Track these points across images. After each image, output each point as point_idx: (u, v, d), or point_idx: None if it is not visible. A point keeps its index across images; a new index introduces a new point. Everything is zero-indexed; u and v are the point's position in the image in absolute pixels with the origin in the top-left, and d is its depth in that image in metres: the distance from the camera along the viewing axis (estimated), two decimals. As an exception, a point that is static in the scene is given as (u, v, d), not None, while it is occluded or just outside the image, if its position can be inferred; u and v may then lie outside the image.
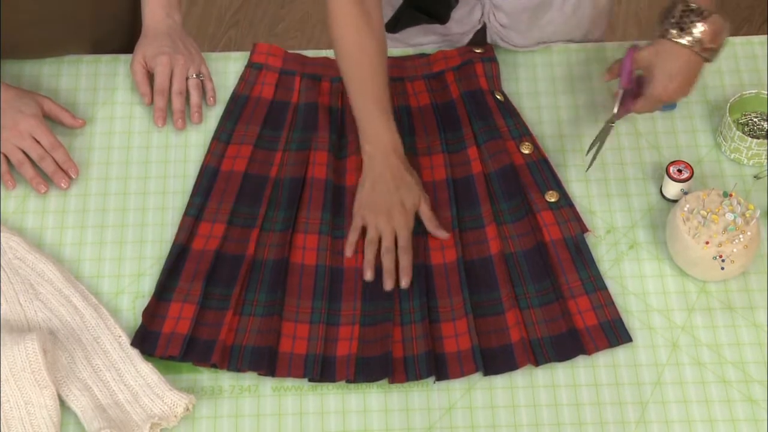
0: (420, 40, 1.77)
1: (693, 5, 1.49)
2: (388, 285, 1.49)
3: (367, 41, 1.55)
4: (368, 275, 1.50)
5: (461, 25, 1.73)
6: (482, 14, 1.71)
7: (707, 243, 1.47)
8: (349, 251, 1.53)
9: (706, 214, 1.49)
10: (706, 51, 1.50)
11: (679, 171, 1.56)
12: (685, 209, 1.50)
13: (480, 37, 1.75)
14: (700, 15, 1.49)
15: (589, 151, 1.58)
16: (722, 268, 1.48)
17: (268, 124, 1.65)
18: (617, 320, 1.48)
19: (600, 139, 1.57)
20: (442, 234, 1.53)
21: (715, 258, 1.47)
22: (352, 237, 1.53)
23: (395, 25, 1.72)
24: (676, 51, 1.50)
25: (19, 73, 1.71)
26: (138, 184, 1.61)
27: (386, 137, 1.54)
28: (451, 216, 1.56)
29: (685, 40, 1.49)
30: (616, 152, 1.64)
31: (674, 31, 1.50)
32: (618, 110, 1.56)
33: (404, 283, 1.50)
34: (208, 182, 1.59)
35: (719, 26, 1.50)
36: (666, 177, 1.56)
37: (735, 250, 1.47)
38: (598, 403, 1.43)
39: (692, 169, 1.56)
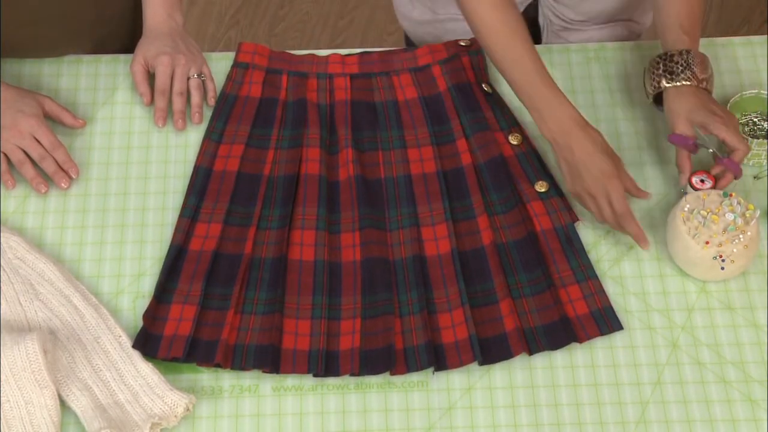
0: None
1: (671, 51, 1.55)
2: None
3: (508, 14, 1.54)
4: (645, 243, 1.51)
5: None
6: None
7: (707, 243, 1.47)
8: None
9: (706, 214, 1.48)
10: (702, 82, 1.54)
11: (702, 181, 1.54)
12: (685, 209, 1.50)
13: (532, 11, 1.77)
14: (684, 55, 1.54)
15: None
16: (722, 268, 1.48)
17: (259, 123, 1.65)
18: (608, 308, 1.49)
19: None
20: (644, 194, 1.53)
21: (715, 258, 1.47)
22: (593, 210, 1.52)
23: None
24: (684, 92, 1.53)
25: (19, 73, 1.71)
26: (138, 185, 1.61)
27: (565, 113, 1.51)
28: (443, 207, 1.56)
29: (680, 82, 1.53)
30: (616, 153, 1.63)
31: (665, 80, 1.54)
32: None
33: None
34: (201, 182, 1.59)
35: (701, 57, 1.55)
36: (689, 188, 1.55)
37: (735, 250, 1.47)
38: (598, 403, 1.43)
39: (714, 179, 1.54)
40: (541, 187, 1.59)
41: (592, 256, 1.55)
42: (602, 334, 1.48)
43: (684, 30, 1.57)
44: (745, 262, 1.49)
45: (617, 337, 1.48)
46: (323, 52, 1.74)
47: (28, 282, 1.49)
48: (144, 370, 1.43)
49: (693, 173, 1.55)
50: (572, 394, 1.44)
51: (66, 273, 1.50)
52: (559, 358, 1.47)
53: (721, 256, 1.47)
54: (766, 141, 1.60)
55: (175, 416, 1.41)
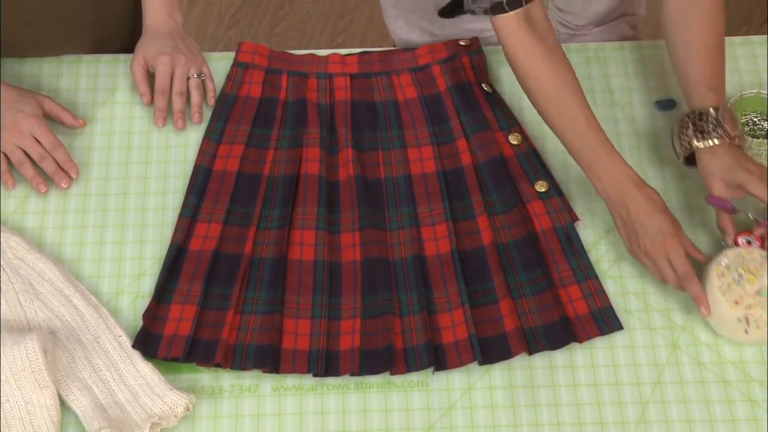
0: (474, 26, 1.78)
1: (699, 109, 1.49)
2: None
3: (563, 73, 1.50)
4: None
5: None
6: None
7: (736, 302, 1.42)
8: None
9: (742, 272, 1.43)
10: (734, 139, 1.48)
11: (748, 242, 1.48)
12: (722, 264, 1.45)
13: None
14: (714, 113, 1.48)
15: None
16: (746, 332, 1.43)
17: (258, 123, 1.65)
18: (608, 308, 1.49)
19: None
20: (702, 257, 1.47)
21: (740, 320, 1.42)
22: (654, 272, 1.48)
23: (452, 10, 1.71)
24: (717, 152, 1.47)
25: (19, 73, 1.71)
26: (138, 184, 1.61)
27: (621, 171, 1.47)
28: (443, 207, 1.56)
29: (711, 140, 1.47)
30: (616, 152, 1.64)
31: (696, 139, 1.48)
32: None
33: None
34: (201, 182, 1.59)
35: (730, 114, 1.49)
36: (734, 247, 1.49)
37: (764, 315, 1.42)
38: (598, 403, 1.43)
39: (762, 241, 1.48)
40: (541, 187, 1.59)
41: (592, 256, 1.55)
42: (602, 334, 1.48)
43: (710, 87, 1.50)
44: None
45: (617, 337, 1.48)
46: (323, 52, 1.74)
47: (28, 282, 1.49)
48: (144, 370, 1.43)
49: (738, 233, 1.49)
50: (572, 394, 1.44)
51: (66, 273, 1.50)
52: (559, 358, 1.47)
53: (747, 318, 1.42)
54: (766, 141, 1.60)
55: (175, 416, 1.41)
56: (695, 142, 1.49)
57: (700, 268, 1.47)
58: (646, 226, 1.45)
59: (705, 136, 1.48)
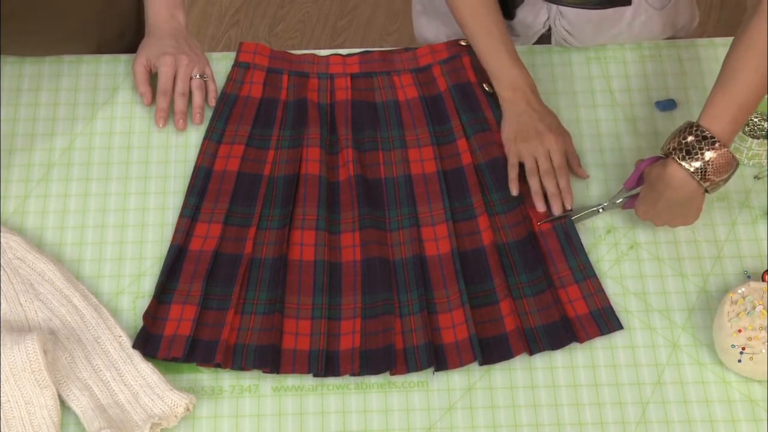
0: None
1: (707, 133, 1.41)
2: (556, 209, 1.56)
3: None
4: (539, 205, 1.56)
5: (527, 26, 1.74)
6: (548, 18, 1.72)
7: (739, 331, 1.41)
8: (514, 189, 1.57)
9: (756, 305, 1.42)
10: (707, 181, 1.42)
11: None
12: (739, 292, 1.44)
13: (546, 40, 1.77)
14: (712, 145, 1.41)
15: (562, 218, 1.56)
16: (739, 361, 1.41)
17: (259, 123, 1.65)
18: (607, 308, 1.49)
19: (580, 216, 1.56)
20: (582, 172, 1.61)
21: (734, 346, 1.41)
22: (513, 173, 1.58)
23: None
24: (674, 173, 1.43)
25: (20, 72, 1.71)
26: (138, 185, 1.61)
27: (522, 79, 1.60)
28: (444, 207, 1.57)
29: (688, 165, 1.41)
30: (616, 153, 1.64)
31: (680, 154, 1.42)
32: (609, 203, 1.56)
33: (568, 204, 1.56)
34: (201, 183, 1.59)
35: (728, 160, 1.42)
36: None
37: (763, 351, 1.41)
38: (598, 403, 1.43)
39: None
40: (541, 187, 1.59)
41: (592, 256, 1.55)
42: (602, 334, 1.48)
43: (735, 118, 1.42)
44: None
45: (617, 337, 1.49)
46: (323, 52, 1.74)
47: (28, 282, 1.49)
48: (144, 370, 1.43)
49: (767, 271, 1.50)
50: (572, 394, 1.44)
51: (66, 273, 1.50)
52: (559, 358, 1.47)
53: (743, 348, 1.41)
54: (766, 141, 1.60)
55: (175, 416, 1.41)
56: (678, 158, 1.43)
57: (719, 293, 1.50)
58: (527, 121, 1.58)
59: (688, 157, 1.42)
